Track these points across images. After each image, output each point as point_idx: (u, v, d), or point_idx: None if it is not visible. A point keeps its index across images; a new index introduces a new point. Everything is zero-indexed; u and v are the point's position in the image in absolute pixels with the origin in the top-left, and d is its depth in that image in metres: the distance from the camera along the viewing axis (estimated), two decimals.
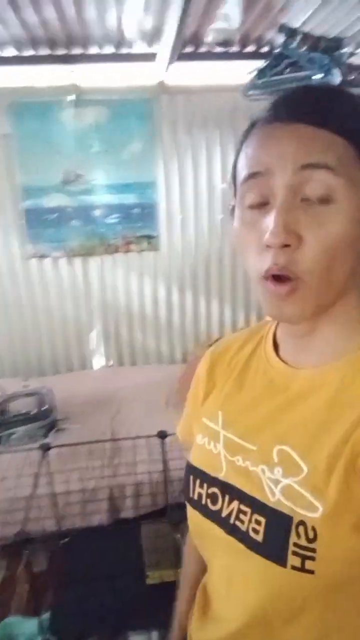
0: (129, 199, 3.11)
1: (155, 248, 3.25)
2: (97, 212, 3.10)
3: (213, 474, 0.63)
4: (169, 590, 1.61)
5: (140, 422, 2.49)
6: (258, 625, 0.59)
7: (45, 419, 2.40)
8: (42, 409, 2.42)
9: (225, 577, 0.63)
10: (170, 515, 1.39)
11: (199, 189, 3.23)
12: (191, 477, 0.66)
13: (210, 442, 0.66)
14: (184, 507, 0.67)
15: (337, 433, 0.51)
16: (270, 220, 0.49)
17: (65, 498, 1.96)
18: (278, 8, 2.26)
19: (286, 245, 0.48)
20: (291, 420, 0.57)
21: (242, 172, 0.53)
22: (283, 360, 0.62)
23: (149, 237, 3.21)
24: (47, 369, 3.39)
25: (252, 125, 0.54)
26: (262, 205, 0.51)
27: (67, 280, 3.25)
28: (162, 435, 1.77)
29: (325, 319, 0.55)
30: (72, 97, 2.84)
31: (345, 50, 2.17)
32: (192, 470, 0.66)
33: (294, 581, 0.51)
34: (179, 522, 1.36)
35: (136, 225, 3.17)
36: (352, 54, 2.68)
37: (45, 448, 1.72)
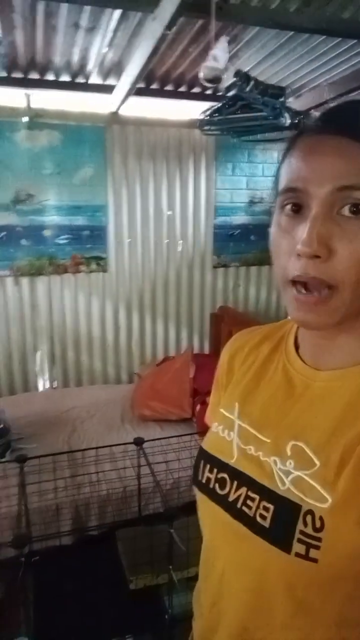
0: (79, 220, 3.17)
1: (104, 269, 3.32)
2: (47, 232, 3.11)
3: (224, 459, 0.64)
4: (154, 594, 1.63)
5: (99, 439, 2.50)
6: (254, 610, 0.60)
7: (0, 439, 2.32)
8: None
9: (224, 560, 0.64)
10: (165, 514, 1.42)
11: (146, 214, 3.37)
12: (202, 462, 0.67)
13: (224, 430, 0.68)
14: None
15: (353, 432, 0.53)
16: (303, 230, 0.50)
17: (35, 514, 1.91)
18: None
19: (317, 256, 0.50)
20: (308, 419, 0.59)
21: (283, 182, 0.54)
22: (302, 360, 0.64)
23: (98, 259, 3.27)
24: None
25: (300, 132, 0.55)
26: (299, 213, 0.53)
27: (13, 299, 3.19)
28: (139, 442, 1.81)
29: (347, 326, 0.56)
30: (26, 119, 2.88)
31: (287, 96, 2.48)
32: (203, 455, 0.68)
33: (296, 568, 0.52)
34: (173, 518, 1.39)
35: (86, 246, 3.22)
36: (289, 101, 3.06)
37: (22, 460, 1.69)
